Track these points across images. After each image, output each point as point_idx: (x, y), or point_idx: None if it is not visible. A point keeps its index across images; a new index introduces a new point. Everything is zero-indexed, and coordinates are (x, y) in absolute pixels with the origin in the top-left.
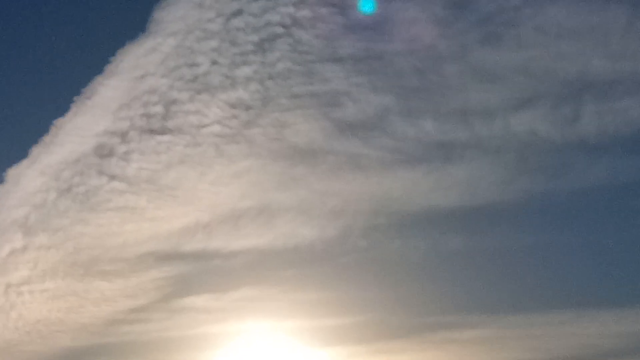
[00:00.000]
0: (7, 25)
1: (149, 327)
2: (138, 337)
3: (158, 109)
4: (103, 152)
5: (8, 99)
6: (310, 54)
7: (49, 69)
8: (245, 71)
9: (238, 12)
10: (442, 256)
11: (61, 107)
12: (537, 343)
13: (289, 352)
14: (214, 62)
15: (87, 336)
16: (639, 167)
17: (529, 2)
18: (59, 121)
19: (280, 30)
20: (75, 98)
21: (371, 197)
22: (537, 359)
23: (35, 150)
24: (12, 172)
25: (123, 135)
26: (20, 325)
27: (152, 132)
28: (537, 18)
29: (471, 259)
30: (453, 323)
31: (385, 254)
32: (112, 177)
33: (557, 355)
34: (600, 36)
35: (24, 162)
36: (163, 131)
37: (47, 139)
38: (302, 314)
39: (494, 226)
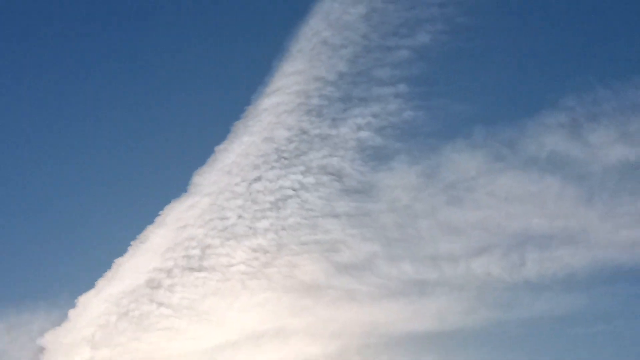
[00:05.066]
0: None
1: None
2: None
3: (196, 252)
4: (153, 284)
5: (77, 240)
6: (314, 211)
7: (110, 219)
8: (263, 224)
9: (258, 178)
10: None
11: (121, 249)
12: None
13: None
14: (240, 216)
15: None
16: (573, 302)
17: (483, 172)
18: (119, 260)
19: (291, 192)
20: (132, 242)
21: (363, 322)
22: None
23: (100, 283)
24: (81, 300)
25: (169, 272)
26: None
27: (191, 269)
28: (490, 185)
29: None
30: None
31: None
32: (160, 304)
33: None
34: (538, 200)
35: (91, 292)
36: (200, 269)
37: (109, 274)
38: None
39: (459, 347)
